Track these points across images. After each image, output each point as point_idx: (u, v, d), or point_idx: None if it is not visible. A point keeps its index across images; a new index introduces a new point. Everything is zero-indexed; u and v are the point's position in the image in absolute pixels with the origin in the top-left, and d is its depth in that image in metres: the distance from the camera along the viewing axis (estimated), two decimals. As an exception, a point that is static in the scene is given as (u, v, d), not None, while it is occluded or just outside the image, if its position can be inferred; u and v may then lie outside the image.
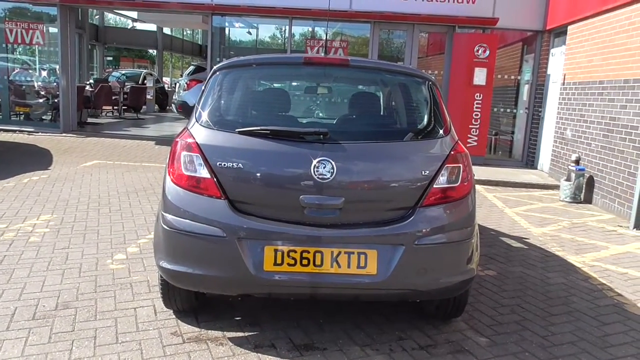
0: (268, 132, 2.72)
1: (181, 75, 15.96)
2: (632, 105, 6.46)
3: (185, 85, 13.46)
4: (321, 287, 2.66)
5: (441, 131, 2.90)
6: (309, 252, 2.64)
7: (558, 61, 9.37)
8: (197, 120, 2.85)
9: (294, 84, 3.19)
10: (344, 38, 11.56)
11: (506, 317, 3.36)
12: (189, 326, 3.02)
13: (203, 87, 3.01)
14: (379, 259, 2.65)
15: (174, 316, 3.13)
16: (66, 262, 3.94)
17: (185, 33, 31.61)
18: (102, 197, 6.11)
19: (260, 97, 3.25)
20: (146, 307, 3.25)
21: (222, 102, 2.97)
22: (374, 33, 10.57)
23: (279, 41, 12.37)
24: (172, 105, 14.50)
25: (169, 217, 2.75)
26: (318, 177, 2.64)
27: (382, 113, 3.01)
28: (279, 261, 2.63)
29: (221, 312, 3.20)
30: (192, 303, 3.10)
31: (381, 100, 3.03)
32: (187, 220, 2.70)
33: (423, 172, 2.74)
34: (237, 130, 2.76)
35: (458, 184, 2.78)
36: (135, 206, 5.78)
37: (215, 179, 2.68)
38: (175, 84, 16.77)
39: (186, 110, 13.99)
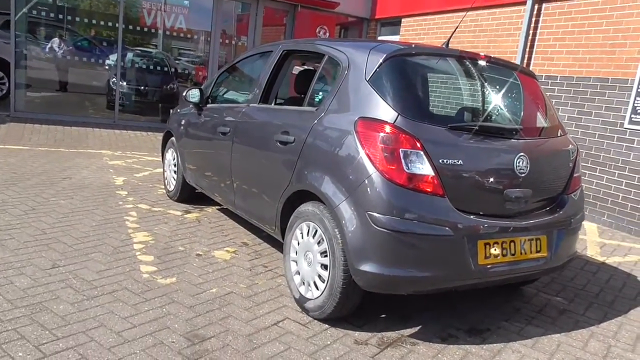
0: (477, 128, 2.71)
1: None
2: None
3: None
4: (515, 273, 2.83)
5: (560, 126, 3.32)
6: (506, 242, 2.78)
7: (390, 49, 10.64)
8: (399, 113, 2.58)
9: (454, 76, 3.11)
10: (183, 8, 10.54)
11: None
12: (360, 332, 2.77)
13: (380, 76, 2.69)
14: (548, 242, 2.97)
15: (327, 325, 2.81)
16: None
17: None
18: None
19: (442, 89, 3.08)
20: (285, 320, 2.80)
21: (418, 94, 2.74)
22: (217, 5, 10.00)
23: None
24: None
25: (384, 218, 2.48)
26: (519, 172, 2.79)
27: (536, 110, 3.22)
28: (487, 254, 2.69)
29: (357, 314, 2.99)
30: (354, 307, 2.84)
31: (531, 98, 3.22)
32: (412, 221, 2.49)
33: (569, 164, 3.16)
34: (449, 125, 2.66)
35: (579, 172, 3.30)
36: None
37: (438, 177, 2.54)
38: None
39: None
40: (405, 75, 2.79)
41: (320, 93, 3.39)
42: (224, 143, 3.85)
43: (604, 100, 6.24)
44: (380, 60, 2.74)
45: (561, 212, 3.05)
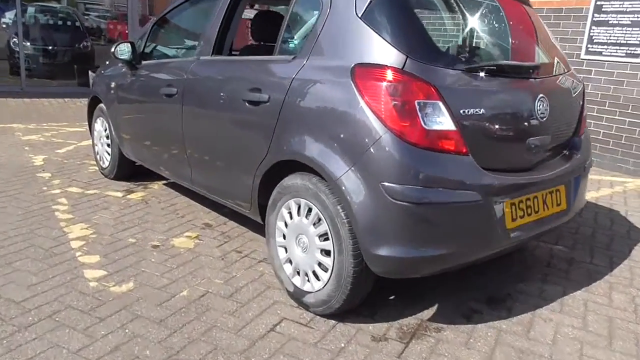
0: (495, 67, 2.22)
1: None
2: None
3: None
4: (538, 231, 2.45)
5: (566, 61, 2.90)
6: (530, 199, 2.38)
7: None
8: (407, 55, 2.02)
9: (458, 7, 2.53)
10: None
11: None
12: (374, 324, 2.31)
13: (377, 9, 2.10)
14: (566, 193, 2.61)
15: (334, 321, 2.31)
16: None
17: None
18: None
19: (448, 23, 2.50)
20: (282, 322, 2.28)
21: (426, 30, 2.18)
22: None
23: None
24: None
25: (403, 188, 1.96)
26: (540, 116, 2.37)
27: (545, 43, 2.73)
28: (514, 216, 2.28)
29: (364, 301, 2.53)
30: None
31: (538, 30, 2.72)
32: (436, 188, 2.00)
33: (580, 102, 2.78)
34: (465, 67, 2.15)
35: (585, 111, 2.93)
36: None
37: (460, 131, 2.05)
38: None
39: None
40: (408, 8, 2.21)
41: (295, 38, 2.76)
42: (171, 107, 3.14)
43: (559, 31, 5.95)
44: None
45: (578, 157, 2.69)
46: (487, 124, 2.17)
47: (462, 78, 2.13)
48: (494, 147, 2.24)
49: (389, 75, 2.00)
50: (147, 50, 3.61)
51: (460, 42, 2.47)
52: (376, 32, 2.09)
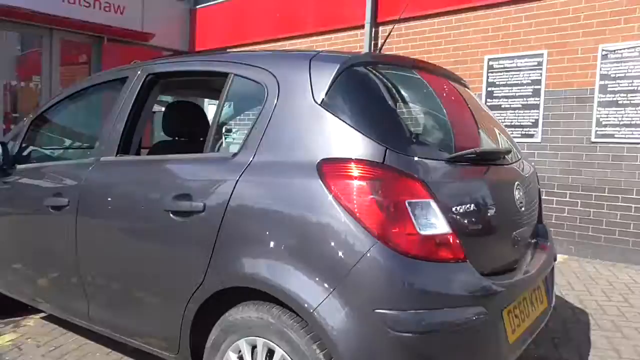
0: (475, 155, 1.94)
1: None
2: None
3: None
4: (531, 339, 2.09)
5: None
6: (521, 303, 2.05)
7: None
8: (386, 146, 1.64)
9: (421, 91, 2.24)
10: None
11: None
12: None
13: (341, 94, 1.75)
14: (545, 288, 2.35)
15: None
16: None
17: None
18: None
19: (415, 109, 2.16)
20: None
21: (400, 117, 1.84)
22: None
23: None
24: None
25: (405, 314, 1.50)
26: (519, 206, 2.12)
27: (500, 128, 2.52)
28: (512, 326, 1.91)
29: None
30: None
31: (488, 114, 2.53)
32: (441, 310, 1.57)
33: (538, 187, 2.61)
34: (448, 157, 1.82)
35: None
36: None
37: (455, 233, 1.68)
38: None
39: None
40: (377, 91, 1.89)
41: (234, 131, 2.29)
42: (59, 221, 2.41)
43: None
44: (334, 73, 1.78)
45: (548, 246, 2.47)
46: (478, 221, 1.85)
47: (446, 170, 1.81)
48: (486, 246, 1.91)
49: (369, 171, 1.60)
50: (24, 152, 2.89)
51: (436, 129, 2.20)
52: (343, 121, 1.71)
